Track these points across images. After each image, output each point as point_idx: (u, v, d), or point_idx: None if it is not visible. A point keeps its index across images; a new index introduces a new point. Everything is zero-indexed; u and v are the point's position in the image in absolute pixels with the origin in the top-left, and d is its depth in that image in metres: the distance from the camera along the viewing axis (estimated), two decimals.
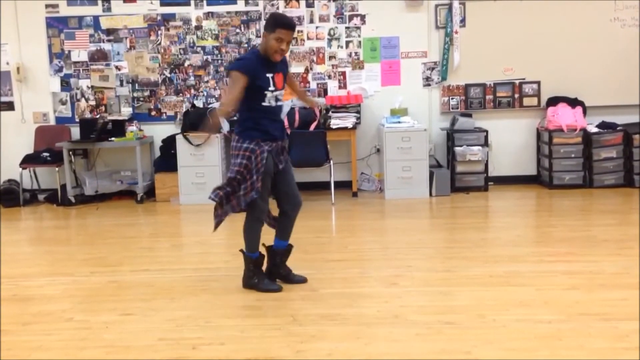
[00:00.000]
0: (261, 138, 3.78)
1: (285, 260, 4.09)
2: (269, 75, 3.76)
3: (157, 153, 7.49)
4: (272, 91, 3.78)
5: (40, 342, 3.20)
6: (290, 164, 4.04)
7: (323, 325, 3.29)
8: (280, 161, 3.91)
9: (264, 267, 4.06)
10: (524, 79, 7.35)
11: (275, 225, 4.09)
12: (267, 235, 4.09)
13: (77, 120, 7.48)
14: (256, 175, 3.78)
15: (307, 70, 7.45)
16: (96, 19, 7.44)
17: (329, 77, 7.47)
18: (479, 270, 4.15)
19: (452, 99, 7.42)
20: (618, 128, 7.05)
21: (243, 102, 3.76)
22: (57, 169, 7.19)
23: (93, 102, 7.56)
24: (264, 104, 3.77)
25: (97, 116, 7.51)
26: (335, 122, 7.02)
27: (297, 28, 7.33)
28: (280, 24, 3.68)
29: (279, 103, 3.87)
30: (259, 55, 3.79)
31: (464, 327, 3.19)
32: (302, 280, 4.05)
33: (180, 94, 7.53)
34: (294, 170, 4.14)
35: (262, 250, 4.05)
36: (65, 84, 7.55)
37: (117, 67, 7.50)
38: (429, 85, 7.44)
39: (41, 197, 7.47)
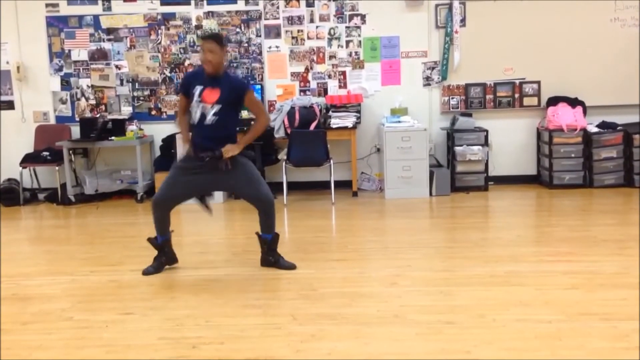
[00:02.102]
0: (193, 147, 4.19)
1: (273, 248, 4.31)
2: (199, 87, 4.10)
3: (157, 152, 7.48)
4: (197, 101, 4.09)
5: (40, 341, 3.21)
6: (245, 170, 4.25)
7: (323, 324, 3.29)
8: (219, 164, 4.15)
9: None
10: (524, 78, 7.35)
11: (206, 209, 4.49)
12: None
13: (77, 119, 7.48)
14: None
15: (307, 70, 7.44)
16: (96, 18, 7.44)
17: (329, 76, 7.46)
18: (479, 270, 4.15)
19: (452, 98, 7.42)
20: (618, 128, 7.05)
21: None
22: (57, 168, 7.18)
23: (93, 102, 7.55)
24: (192, 120, 4.16)
25: (97, 115, 7.50)
26: (335, 121, 7.02)
27: (298, 27, 7.36)
28: (200, 38, 4.18)
29: (209, 118, 4.10)
30: (202, 69, 4.19)
31: (464, 327, 3.19)
32: (291, 266, 4.27)
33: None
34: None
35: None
36: (66, 83, 7.55)
37: (117, 67, 7.50)
38: (429, 84, 7.44)
39: (41, 196, 7.47)
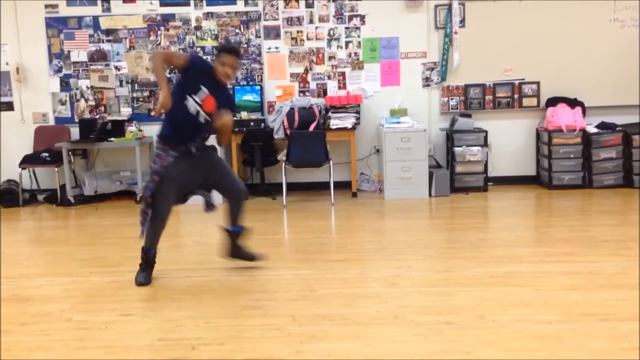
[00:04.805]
0: (169, 144, 4.00)
1: (241, 241, 4.33)
2: (204, 88, 3.95)
3: None
4: (195, 101, 3.95)
5: (39, 342, 3.20)
6: (218, 161, 4.21)
7: (322, 325, 3.29)
8: (194, 156, 4.06)
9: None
10: (523, 79, 7.35)
11: (210, 210, 4.30)
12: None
13: (77, 120, 7.49)
14: (155, 176, 3.99)
15: (306, 71, 7.45)
16: (96, 19, 7.44)
17: (329, 77, 7.47)
18: (479, 270, 4.15)
19: (451, 99, 7.43)
20: (617, 128, 7.05)
21: (172, 103, 3.92)
22: (56, 169, 7.19)
23: (92, 103, 7.56)
24: (186, 102, 3.95)
25: (97, 116, 7.51)
26: (334, 122, 7.02)
27: (297, 28, 7.37)
28: (223, 49, 4.02)
29: (201, 119, 4.00)
30: (212, 69, 4.01)
31: (464, 328, 3.19)
32: (256, 257, 4.34)
33: None
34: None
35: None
36: (65, 84, 7.55)
37: (116, 68, 7.50)
38: (429, 85, 7.45)
39: (40, 197, 7.47)
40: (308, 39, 7.42)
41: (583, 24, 7.21)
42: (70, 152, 7.23)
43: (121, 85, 7.53)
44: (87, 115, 7.53)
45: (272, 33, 7.41)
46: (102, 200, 7.25)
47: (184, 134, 4.02)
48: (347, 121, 7.03)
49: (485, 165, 7.10)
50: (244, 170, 7.55)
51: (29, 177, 7.50)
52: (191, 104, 3.96)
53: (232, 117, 4.03)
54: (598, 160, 7.00)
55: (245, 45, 7.42)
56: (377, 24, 7.36)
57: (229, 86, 4.26)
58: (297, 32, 7.40)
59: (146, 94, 7.53)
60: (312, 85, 7.48)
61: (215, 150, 4.27)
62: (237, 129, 7.05)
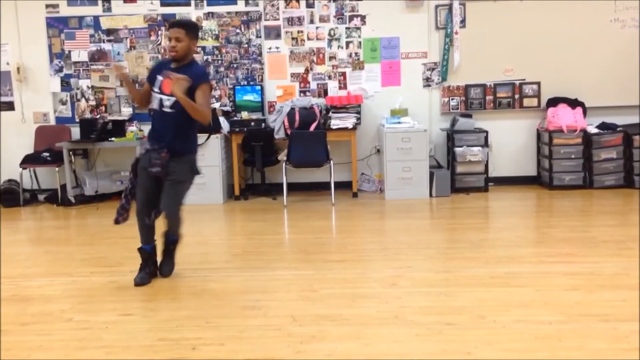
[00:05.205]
0: (148, 138, 4.16)
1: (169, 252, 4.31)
2: (159, 76, 4.03)
3: None
4: (156, 92, 4.03)
5: (39, 342, 3.21)
6: (174, 179, 4.04)
7: (323, 325, 3.29)
8: (153, 165, 4.00)
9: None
10: (524, 79, 7.35)
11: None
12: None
13: (77, 120, 7.48)
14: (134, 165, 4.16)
15: (307, 71, 7.44)
16: (96, 19, 7.44)
17: (329, 77, 7.47)
18: (479, 270, 4.15)
19: (452, 99, 7.42)
20: (618, 129, 7.05)
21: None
22: (57, 169, 7.19)
23: (93, 102, 7.56)
24: (151, 106, 4.12)
25: (97, 116, 7.51)
26: (335, 122, 7.02)
27: (298, 28, 7.36)
28: (168, 24, 3.96)
29: (165, 109, 4.01)
30: (168, 59, 4.14)
31: (464, 328, 3.19)
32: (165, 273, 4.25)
33: None
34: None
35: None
36: (66, 84, 7.55)
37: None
38: (429, 85, 7.44)
39: (41, 197, 7.47)
40: (309, 39, 7.42)
41: (584, 24, 7.20)
42: (70, 152, 7.23)
43: (122, 85, 7.51)
44: (87, 115, 7.53)
45: (273, 33, 7.41)
46: (103, 200, 7.24)
47: (154, 131, 4.10)
48: (348, 121, 7.03)
49: (486, 166, 7.10)
50: (245, 170, 7.55)
51: (29, 177, 7.49)
52: (154, 96, 4.07)
53: (208, 87, 4.07)
54: (599, 160, 6.99)
55: (246, 45, 7.42)
56: (378, 24, 7.36)
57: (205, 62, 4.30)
58: (298, 32, 7.40)
59: None
60: (313, 85, 7.47)
61: (184, 164, 4.07)
62: (237, 129, 7.06)
